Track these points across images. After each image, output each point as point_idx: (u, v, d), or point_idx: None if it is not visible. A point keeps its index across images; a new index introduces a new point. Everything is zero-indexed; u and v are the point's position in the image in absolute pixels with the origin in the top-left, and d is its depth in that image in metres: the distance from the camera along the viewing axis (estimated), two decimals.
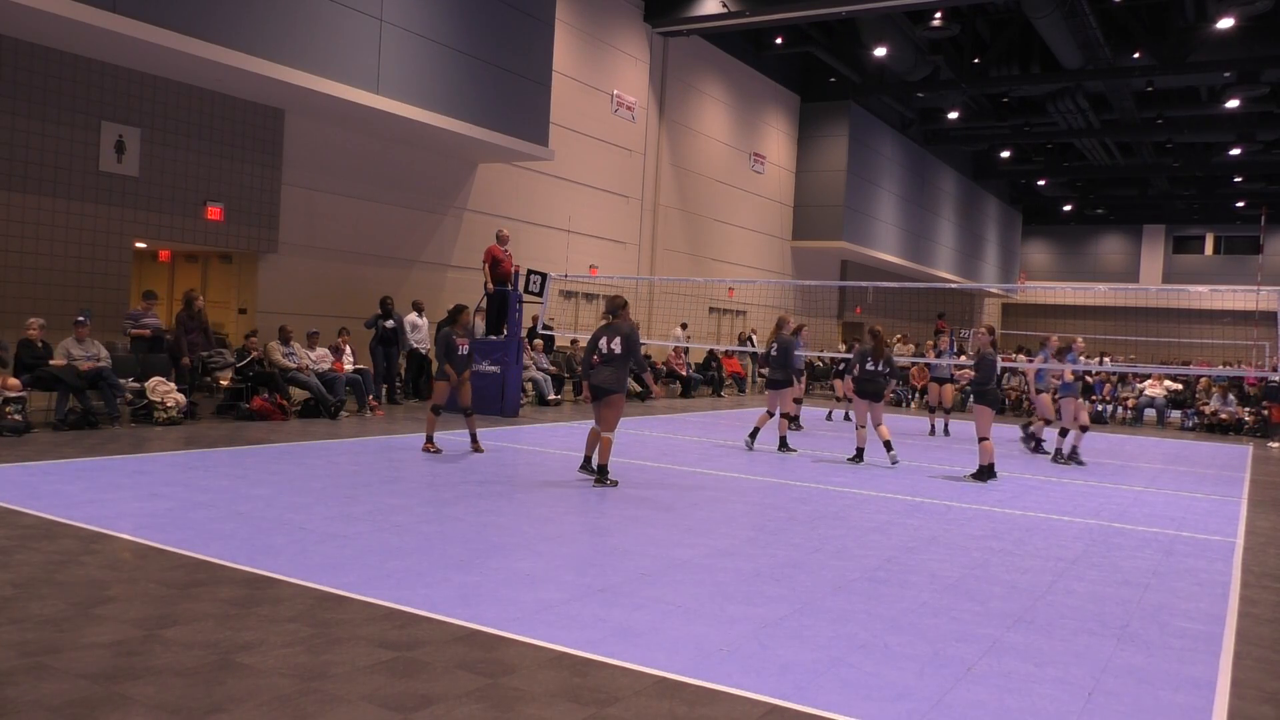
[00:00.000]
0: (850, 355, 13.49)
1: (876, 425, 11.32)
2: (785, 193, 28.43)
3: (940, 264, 36.15)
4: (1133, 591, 5.91)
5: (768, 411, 11.96)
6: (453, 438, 11.48)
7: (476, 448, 10.31)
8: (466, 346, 10.51)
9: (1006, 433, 16.38)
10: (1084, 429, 12.32)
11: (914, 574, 6.00)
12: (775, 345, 12.00)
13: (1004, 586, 5.83)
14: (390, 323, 14.37)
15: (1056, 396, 12.83)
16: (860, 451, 11.35)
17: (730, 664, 4.21)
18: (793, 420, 14.95)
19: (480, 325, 15.37)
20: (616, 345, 8.65)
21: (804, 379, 12.63)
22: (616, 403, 8.62)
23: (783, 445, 12.04)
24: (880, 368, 11.25)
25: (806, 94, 28.66)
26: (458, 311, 10.51)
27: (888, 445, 11.21)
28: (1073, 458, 12.32)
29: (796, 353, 12.26)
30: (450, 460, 9.66)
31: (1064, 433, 12.47)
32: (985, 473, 10.25)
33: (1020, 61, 25.77)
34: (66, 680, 3.65)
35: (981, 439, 10.30)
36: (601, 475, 8.67)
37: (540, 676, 3.95)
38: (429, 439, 10.20)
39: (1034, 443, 13.53)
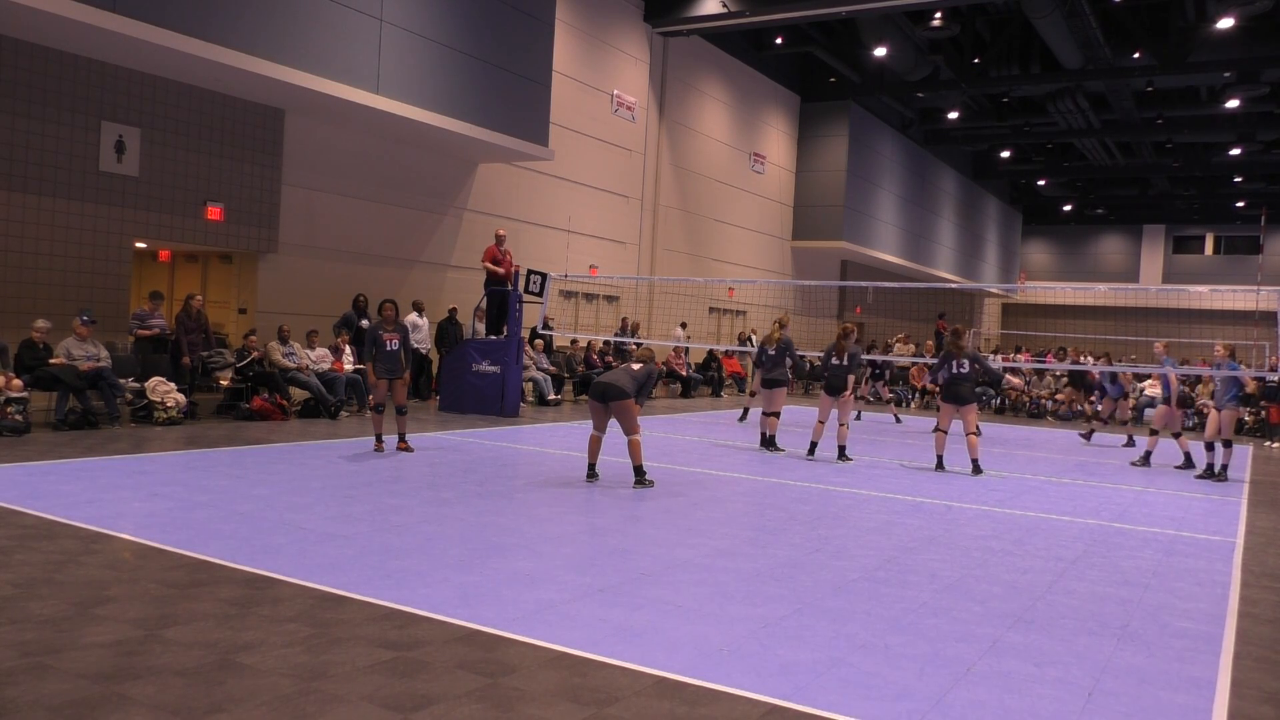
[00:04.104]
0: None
1: (840, 424, 11.46)
2: (785, 193, 28.43)
3: (940, 264, 36.14)
4: (1133, 591, 5.91)
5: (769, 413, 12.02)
6: (452, 438, 11.48)
7: (404, 447, 10.08)
8: (396, 342, 10.10)
9: (1004, 432, 16.38)
10: (1227, 444, 11.52)
11: (914, 574, 6.00)
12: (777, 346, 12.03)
13: (1004, 586, 5.83)
14: (366, 322, 14.24)
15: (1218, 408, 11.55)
16: (813, 446, 11.50)
17: (730, 664, 4.21)
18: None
19: (480, 327, 15.39)
20: (636, 367, 8.86)
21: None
22: (629, 406, 8.61)
23: (764, 442, 12.10)
24: (843, 362, 11.28)
25: (806, 94, 28.66)
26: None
27: (841, 449, 11.33)
28: (1217, 475, 11.50)
29: (771, 352, 12.18)
30: (450, 460, 9.66)
31: (1211, 446, 11.79)
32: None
33: (1020, 61, 25.76)
34: (66, 680, 3.65)
35: (938, 429, 11.21)
36: (640, 476, 8.72)
37: (540, 676, 3.95)
38: (377, 439, 10.08)
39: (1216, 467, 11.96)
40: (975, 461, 10.87)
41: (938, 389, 17.53)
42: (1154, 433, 12.78)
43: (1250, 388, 11.44)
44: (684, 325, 22.35)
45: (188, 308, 12.18)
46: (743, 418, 12.09)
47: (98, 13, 10.27)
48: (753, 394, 12.27)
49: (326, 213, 14.99)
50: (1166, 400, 12.78)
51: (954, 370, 10.95)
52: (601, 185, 20.93)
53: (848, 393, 11.38)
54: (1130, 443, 15.33)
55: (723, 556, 6.19)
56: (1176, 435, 12.78)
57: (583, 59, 19.91)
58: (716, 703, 3.78)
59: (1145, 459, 12.71)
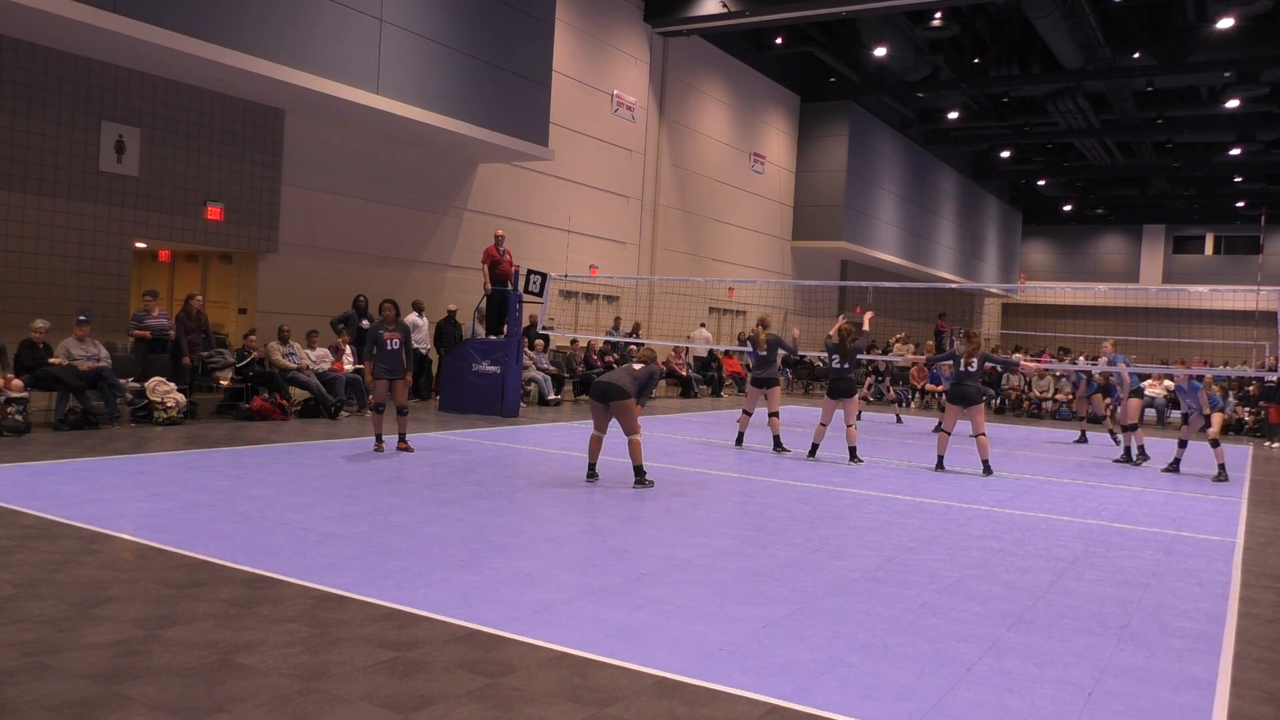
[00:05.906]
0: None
1: (848, 425, 11.31)
2: (785, 193, 28.43)
3: (940, 264, 36.14)
4: (1133, 591, 5.91)
5: (763, 412, 12.07)
6: (452, 438, 11.48)
7: (404, 447, 10.07)
8: (397, 341, 10.06)
9: (1004, 432, 16.38)
10: (1215, 443, 11.66)
11: (914, 574, 6.00)
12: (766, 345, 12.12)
13: (1004, 586, 5.83)
14: (366, 323, 14.20)
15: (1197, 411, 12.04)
16: (814, 447, 11.45)
17: (730, 664, 4.21)
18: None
19: (480, 328, 15.39)
20: (637, 367, 8.88)
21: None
22: (629, 407, 8.61)
23: (738, 440, 12.23)
24: (844, 366, 11.17)
25: (806, 94, 28.66)
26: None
27: (852, 451, 11.22)
28: (1216, 475, 11.54)
29: (763, 353, 12.21)
30: (450, 460, 9.66)
31: (1180, 445, 12.25)
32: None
33: (1020, 61, 25.76)
34: (66, 680, 3.65)
35: (937, 428, 11.26)
36: (640, 476, 8.72)
37: (540, 676, 3.95)
38: (377, 439, 10.07)
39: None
40: (986, 463, 10.85)
41: (937, 388, 17.60)
42: (1132, 428, 12.81)
43: (1205, 409, 11.65)
44: (703, 325, 22.45)
45: (188, 308, 12.18)
46: (739, 441, 12.13)
47: (98, 13, 10.27)
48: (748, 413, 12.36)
49: (326, 213, 14.98)
50: (1137, 393, 13.06)
51: (962, 368, 10.87)
52: (601, 185, 20.93)
53: (857, 396, 11.33)
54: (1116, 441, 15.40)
55: (723, 556, 6.19)
56: (1133, 428, 12.88)
57: (583, 59, 19.91)
58: (716, 703, 3.78)
59: (1142, 452, 12.83)
